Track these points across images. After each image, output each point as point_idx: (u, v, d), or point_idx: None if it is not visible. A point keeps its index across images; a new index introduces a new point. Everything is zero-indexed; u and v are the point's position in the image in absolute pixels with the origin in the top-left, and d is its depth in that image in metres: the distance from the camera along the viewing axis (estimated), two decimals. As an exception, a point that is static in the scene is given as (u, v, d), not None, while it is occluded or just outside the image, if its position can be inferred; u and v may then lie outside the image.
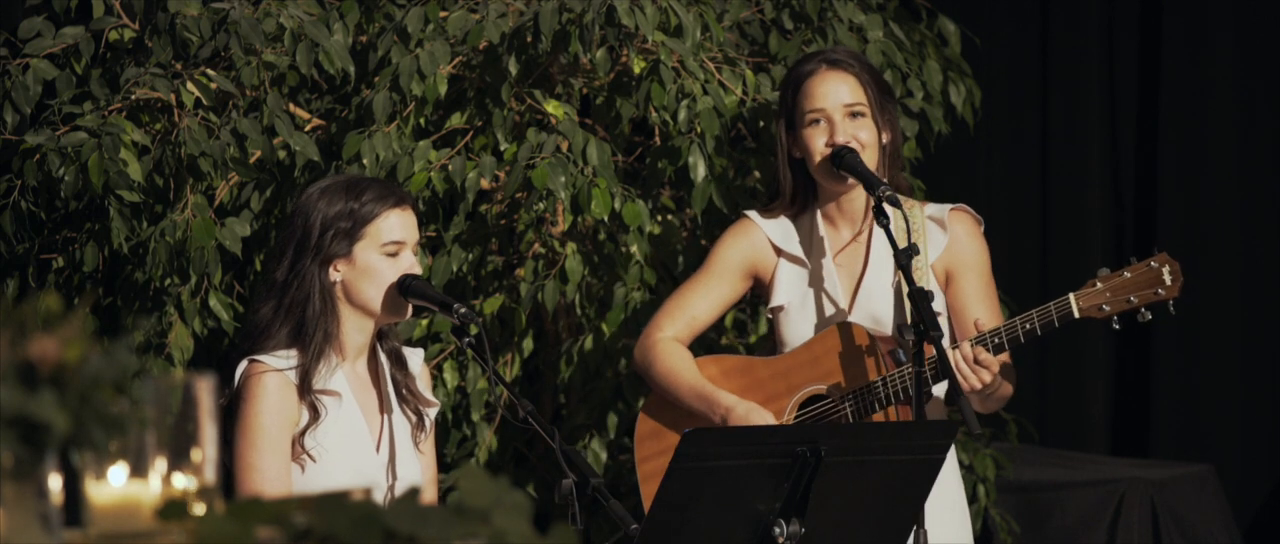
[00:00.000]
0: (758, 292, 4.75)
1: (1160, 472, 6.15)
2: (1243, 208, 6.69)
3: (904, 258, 4.33)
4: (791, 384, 4.56)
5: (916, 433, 4.09)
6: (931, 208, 4.64)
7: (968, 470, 5.58)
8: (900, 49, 5.33)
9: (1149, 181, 6.75)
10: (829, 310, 4.61)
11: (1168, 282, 4.51)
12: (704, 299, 4.67)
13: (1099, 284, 4.49)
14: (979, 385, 4.36)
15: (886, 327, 4.56)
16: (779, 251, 4.64)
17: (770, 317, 4.68)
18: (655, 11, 4.88)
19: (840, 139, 4.51)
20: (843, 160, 4.51)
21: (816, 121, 4.54)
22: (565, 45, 4.88)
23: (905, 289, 4.36)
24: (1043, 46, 6.81)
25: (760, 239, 4.65)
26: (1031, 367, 6.79)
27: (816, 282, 4.62)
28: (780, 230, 4.65)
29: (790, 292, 4.62)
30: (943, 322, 4.53)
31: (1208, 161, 6.70)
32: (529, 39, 4.91)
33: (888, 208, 4.39)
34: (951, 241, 4.60)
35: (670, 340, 4.63)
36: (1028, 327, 4.44)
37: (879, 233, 4.56)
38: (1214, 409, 6.68)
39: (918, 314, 4.27)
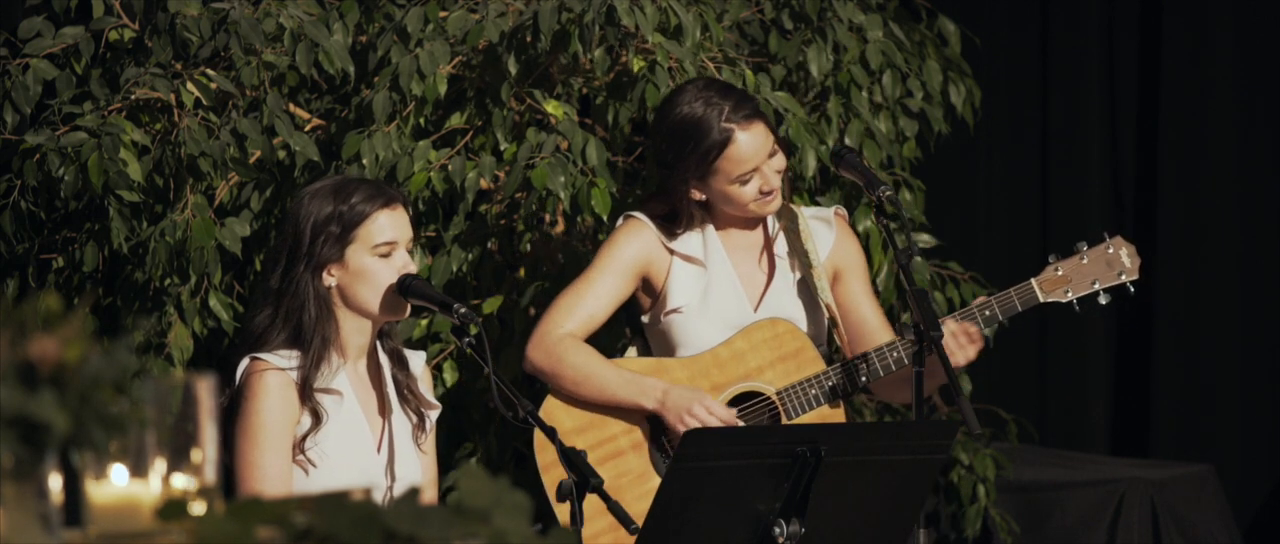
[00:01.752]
0: (639, 296, 4.64)
1: (1160, 472, 6.15)
2: (1243, 208, 6.69)
3: (904, 257, 4.33)
4: (715, 382, 4.53)
5: (916, 433, 4.10)
6: (810, 210, 4.70)
7: (967, 470, 5.58)
8: (900, 49, 5.33)
9: (1149, 181, 6.76)
10: (732, 312, 4.58)
11: (1128, 263, 4.60)
12: (600, 298, 4.55)
13: (1059, 270, 4.56)
14: (965, 362, 4.45)
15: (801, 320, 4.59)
16: (672, 252, 4.58)
17: (660, 320, 4.58)
18: (655, 11, 4.88)
19: (773, 187, 4.51)
20: (844, 159, 4.54)
21: (748, 180, 4.53)
22: (565, 45, 4.88)
23: (907, 287, 4.37)
24: (1043, 46, 6.81)
25: (652, 238, 4.58)
26: (1031, 367, 6.79)
27: (716, 284, 4.59)
28: (671, 232, 4.60)
29: (688, 293, 4.56)
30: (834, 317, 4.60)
31: (1208, 161, 6.70)
32: (528, 39, 4.91)
33: (888, 207, 4.40)
34: (837, 242, 4.65)
35: (574, 337, 4.53)
36: (988, 313, 4.52)
37: (780, 240, 4.62)
38: (1214, 409, 6.68)
39: (918, 314, 4.27)
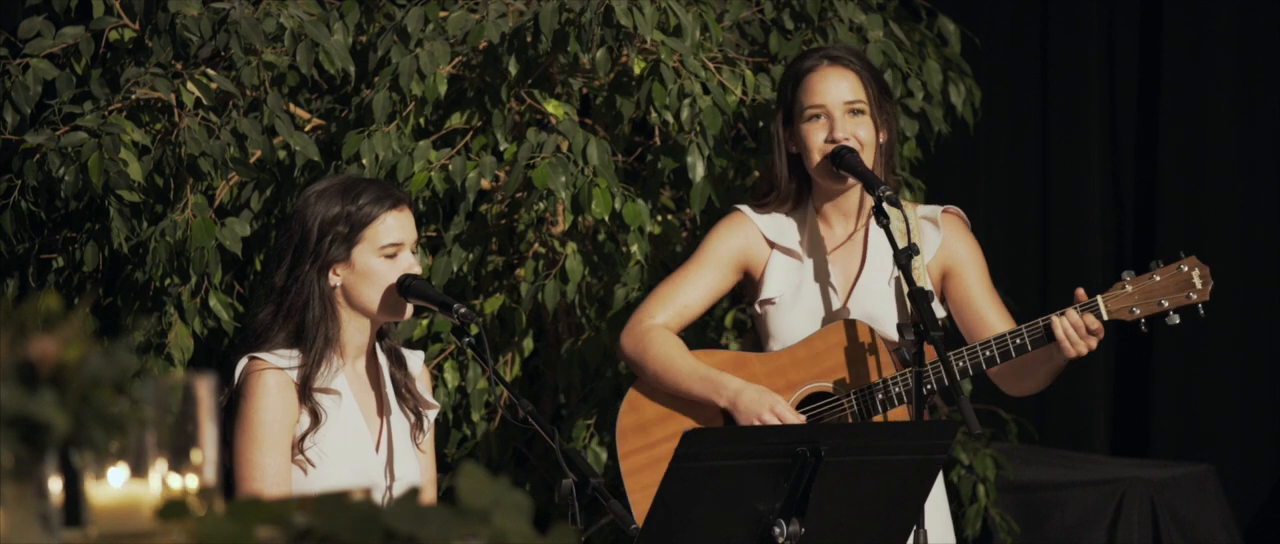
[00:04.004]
0: (744, 286, 4.70)
1: (1160, 472, 6.14)
2: (1243, 208, 6.69)
3: (903, 257, 4.32)
4: (791, 381, 4.53)
5: (916, 433, 4.09)
6: (923, 209, 4.65)
7: (967, 470, 5.58)
8: (900, 49, 5.34)
9: (1149, 182, 6.76)
10: (822, 306, 4.58)
11: (1198, 285, 4.54)
12: (695, 289, 4.61)
13: (1128, 287, 4.49)
14: (1083, 352, 4.41)
15: (882, 325, 4.55)
16: (772, 245, 4.61)
17: (758, 310, 4.61)
18: (654, 11, 4.88)
19: (840, 135, 4.50)
20: (842, 160, 4.50)
21: (816, 117, 4.53)
22: (564, 45, 4.88)
23: (905, 289, 4.36)
24: (1043, 46, 6.81)
25: (753, 232, 4.62)
26: (1031, 367, 6.78)
27: (810, 277, 4.59)
28: (774, 225, 4.62)
29: (782, 285, 4.59)
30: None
31: (1208, 161, 6.70)
32: (529, 39, 4.91)
33: (887, 207, 4.38)
34: (945, 241, 4.61)
35: (662, 328, 4.57)
36: (1046, 324, 4.45)
37: (876, 232, 4.55)
38: (1214, 409, 6.68)
39: (918, 314, 4.27)
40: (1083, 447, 6.62)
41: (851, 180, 4.54)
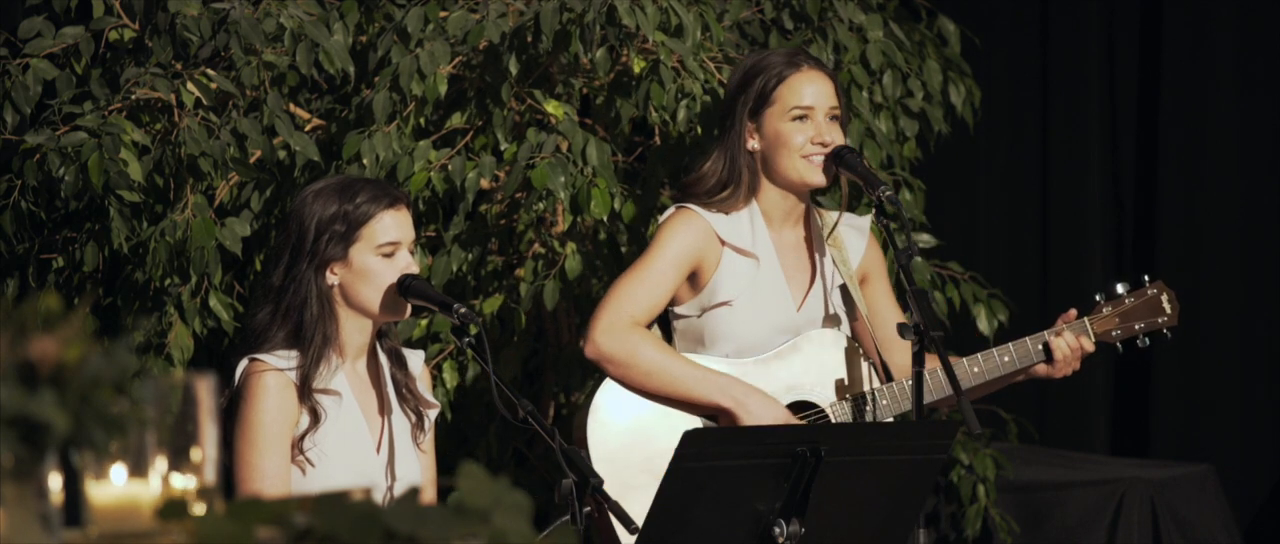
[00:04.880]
0: (684, 286, 4.56)
1: (1160, 472, 6.15)
2: (1243, 208, 6.69)
3: (904, 257, 4.32)
4: (770, 390, 4.50)
5: (916, 433, 4.10)
6: (844, 216, 4.65)
7: (967, 470, 5.58)
8: (900, 49, 5.34)
9: (1149, 182, 6.76)
10: (777, 308, 4.53)
11: (1168, 309, 4.68)
12: (661, 289, 4.49)
13: (1105, 310, 4.61)
14: (1068, 373, 4.55)
15: (840, 327, 4.58)
16: (724, 243, 4.52)
17: (699, 312, 4.52)
18: (656, 11, 4.88)
19: (826, 140, 4.50)
20: (844, 160, 4.49)
21: (803, 118, 4.51)
22: (566, 45, 4.88)
23: (906, 288, 4.36)
24: (1043, 46, 6.81)
25: (706, 229, 4.51)
26: (1031, 367, 6.78)
27: (766, 278, 4.55)
28: (723, 223, 4.52)
29: (737, 286, 4.50)
30: (860, 326, 4.60)
31: (1208, 161, 6.70)
32: (529, 39, 4.91)
33: (888, 207, 4.40)
34: (868, 248, 4.65)
35: (642, 325, 4.48)
36: (1039, 347, 4.58)
37: (822, 240, 4.59)
38: (1214, 409, 6.68)
39: (918, 314, 4.26)
40: (1083, 447, 6.62)
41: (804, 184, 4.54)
